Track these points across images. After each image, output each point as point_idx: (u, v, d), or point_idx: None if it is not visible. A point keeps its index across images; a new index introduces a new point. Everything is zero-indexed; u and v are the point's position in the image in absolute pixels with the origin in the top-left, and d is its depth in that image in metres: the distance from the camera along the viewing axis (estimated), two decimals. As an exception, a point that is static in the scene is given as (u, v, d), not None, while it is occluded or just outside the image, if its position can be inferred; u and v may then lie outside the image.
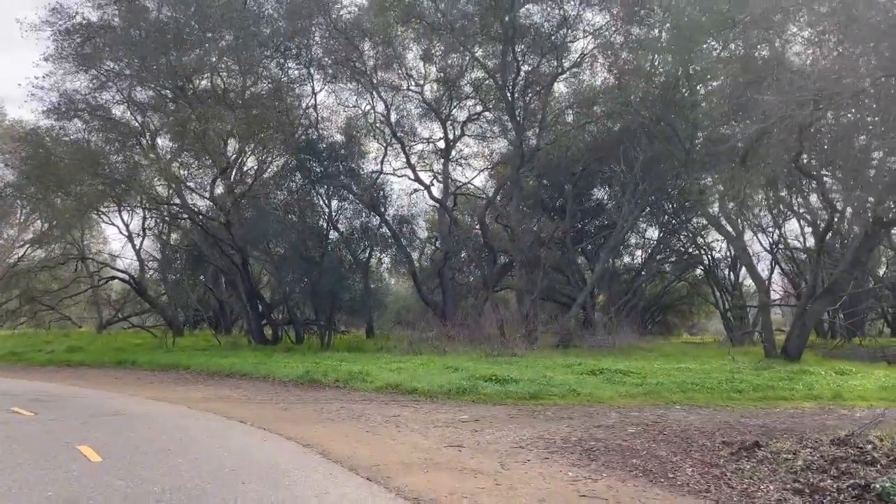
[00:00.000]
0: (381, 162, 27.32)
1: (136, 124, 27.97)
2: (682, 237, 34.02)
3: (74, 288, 38.95)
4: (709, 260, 33.68)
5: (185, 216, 26.65)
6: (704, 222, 28.64)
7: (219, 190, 25.64)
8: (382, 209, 27.35)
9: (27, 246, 43.73)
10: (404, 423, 9.64)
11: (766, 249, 31.94)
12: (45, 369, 18.60)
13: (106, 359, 19.58)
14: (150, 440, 8.04)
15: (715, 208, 22.92)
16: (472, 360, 17.07)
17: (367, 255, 28.14)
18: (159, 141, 28.77)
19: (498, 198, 29.73)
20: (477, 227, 32.67)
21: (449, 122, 29.60)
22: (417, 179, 27.70)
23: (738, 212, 21.92)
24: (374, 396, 12.66)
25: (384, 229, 27.87)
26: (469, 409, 11.03)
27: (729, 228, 21.30)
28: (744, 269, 28.36)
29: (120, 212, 34.81)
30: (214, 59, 24.56)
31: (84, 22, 23.95)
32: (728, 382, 13.00)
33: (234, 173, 25.39)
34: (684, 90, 22.45)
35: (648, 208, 29.15)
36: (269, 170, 26.48)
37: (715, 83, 22.57)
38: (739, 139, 19.09)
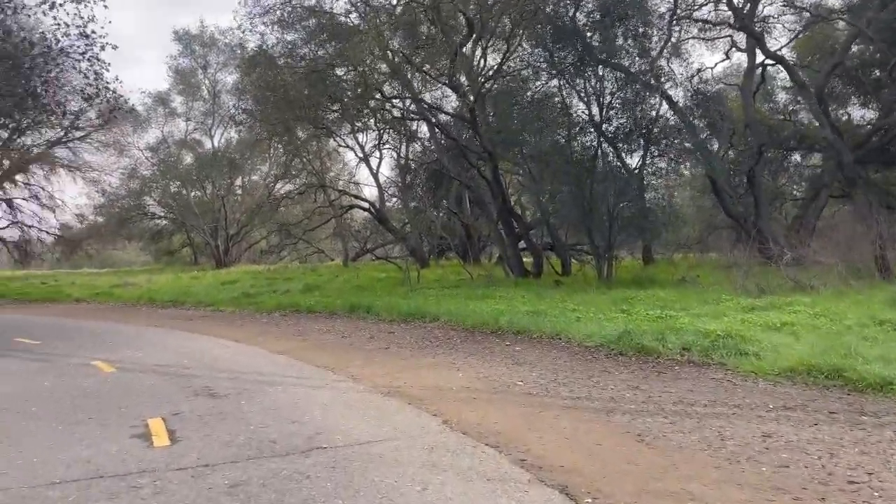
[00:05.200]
0: (670, 23, 19.68)
1: (357, 21, 23.75)
2: None
3: (319, 219, 37.34)
4: None
5: (419, 118, 21.84)
6: None
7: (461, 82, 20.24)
8: (666, 89, 19.96)
9: (276, 180, 43.51)
10: None
11: None
12: (269, 317, 14.92)
13: (339, 302, 15.47)
14: None
15: None
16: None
17: (645, 155, 21.11)
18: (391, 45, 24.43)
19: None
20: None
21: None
22: (745, 28, 19.37)
23: None
24: (791, 393, 6.28)
25: (670, 120, 20.58)
26: None
27: None
28: None
29: (353, 132, 31.55)
30: None
31: None
32: None
33: (476, 60, 19.75)
34: None
35: None
36: (519, 50, 20.36)
37: None
38: None
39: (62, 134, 33.39)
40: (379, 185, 34.15)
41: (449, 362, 8.60)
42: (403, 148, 32.85)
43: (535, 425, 5.65)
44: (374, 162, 34.72)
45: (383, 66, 22.88)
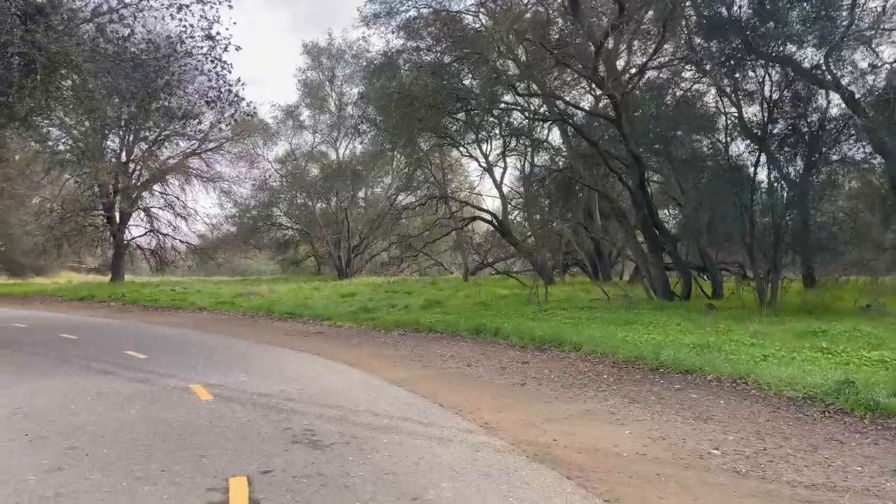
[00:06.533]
0: (852, 5, 16.71)
1: (486, 19, 22.46)
2: None
3: (440, 231, 36.33)
4: None
5: (552, 120, 20.05)
6: None
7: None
8: (846, 86, 17.03)
9: (398, 192, 43.09)
10: None
11: None
12: (387, 336, 13.62)
13: (462, 322, 13.97)
14: None
15: None
16: None
17: (817, 162, 18.20)
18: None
19: None
20: None
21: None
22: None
23: None
24: None
25: (855, 119, 17.58)
26: None
27: None
28: None
29: (477, 140, 30.28)
30: None
31: None
32: None
33: (618, 54, 17.76)
34: None
35: None
36: (665, 47, 18.16)
37: None
38: None
39: (196, 145, 34.51)
40: (502, 196, 32.65)
41: (607, 411, 6.77)
42: (529, 156, 31.17)
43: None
44: (497, 172, 33.32)
45: (512, 66, 21.45)
